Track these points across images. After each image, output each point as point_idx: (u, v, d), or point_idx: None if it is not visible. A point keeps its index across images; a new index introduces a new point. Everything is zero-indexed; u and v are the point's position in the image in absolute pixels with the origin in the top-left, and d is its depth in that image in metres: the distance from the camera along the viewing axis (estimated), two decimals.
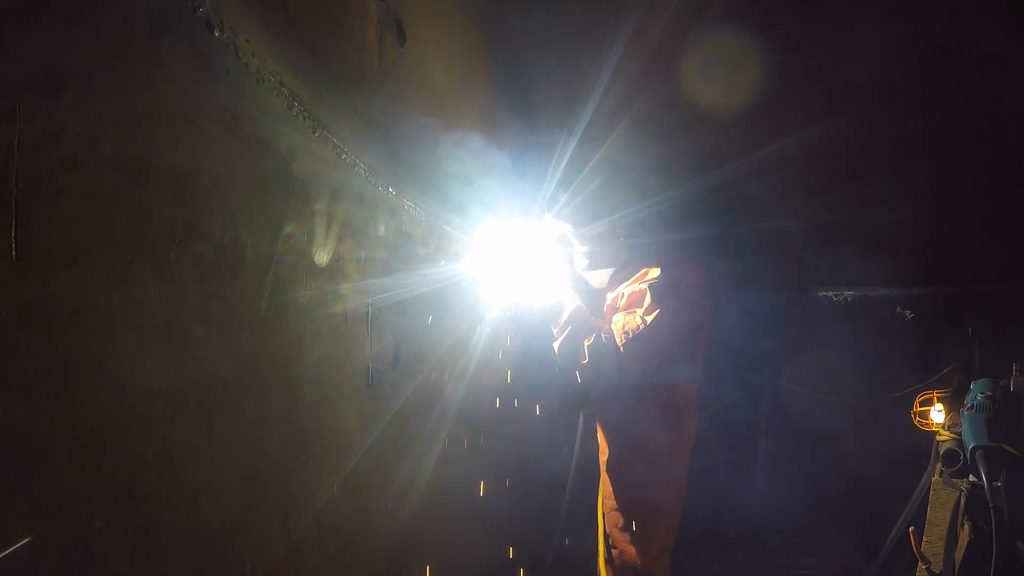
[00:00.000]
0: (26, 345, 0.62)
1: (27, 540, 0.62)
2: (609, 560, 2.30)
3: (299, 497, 1.17)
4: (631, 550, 2.22)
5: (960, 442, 1.66)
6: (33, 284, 0.63)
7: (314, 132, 1.17)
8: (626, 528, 2.24)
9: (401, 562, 1.69)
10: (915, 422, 2.20)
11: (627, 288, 2.18)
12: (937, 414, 2.10)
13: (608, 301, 2.26)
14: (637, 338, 2.05)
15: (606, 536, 2.31)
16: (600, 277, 2.34)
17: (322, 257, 1.22)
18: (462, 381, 2.14)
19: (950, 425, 1.98)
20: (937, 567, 1.58)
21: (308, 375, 1.18)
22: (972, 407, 1.63)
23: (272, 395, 1.08)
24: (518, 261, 2.35)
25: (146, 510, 0.79)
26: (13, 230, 0.60)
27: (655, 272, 2.14)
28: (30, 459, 0.63)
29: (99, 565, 0.72)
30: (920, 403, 2.19)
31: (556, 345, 2.23)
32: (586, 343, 2.12)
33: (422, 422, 1.81)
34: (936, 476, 1.81)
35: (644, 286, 2.11)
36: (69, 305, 0.67)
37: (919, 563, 1.60)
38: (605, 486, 2.32)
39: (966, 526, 1.60)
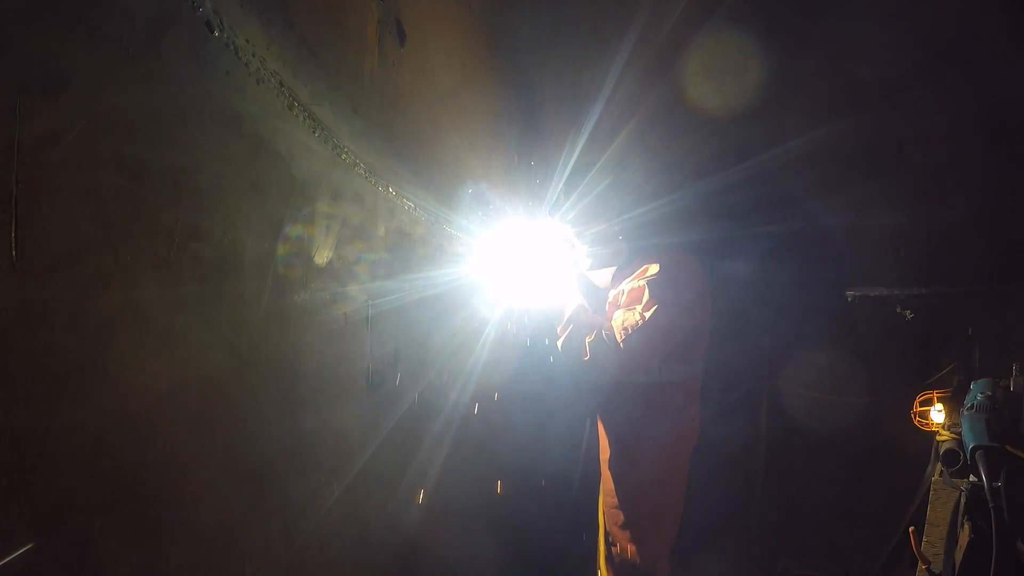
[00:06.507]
0: (26, 345, 0.62)
1: (29, 546, 0.62)
2: (609, 558, 2.30)
3: (299, 498, 1.17)
4: (631, 548, 2.22)
5: (960, 442, 1.65)
6: (33, 284, 0.63)
7: (314, 132, 1.17)
8: (627, 526, 2.24)
9: (402, 563, 1.69)
10: (915, 422, 2.20)
11: (628, 285, 2.18)
12: (937, 414, 2.10)
13: (610, 299, 2.26)
14: (636, 334, 2.05)
15: (607, 534, 2.31)
16: (604, 276, 2.35)
17: (322, 257, 1.22)
18: (465, 382, 2.14)
19: (950, 425, 1.98)
20: (937, 567, 1.58)
21: (308, 376, 1.18)
22: (972, 407, 1.62)
23: (272, 395, 1.08)
24: (522, 262, 2.35)
25: (146, 510, 0.79)
26: (13, 230, 0.60)
27: (654, 269, 2.14)
28: (30, 459, 0.63)
29: (99, 565, 0.72)
30: (920, 403, 2.19)
31: (559, 343, 2.24)
32: (588, 340, 2.12)
33: (423, 423, 1.81)
34: (936, 476, 1.81)
35: (643, 283, 2.12)
36: (69, 305, 0.67)
37: (919, 563, 1.59)
38: (606, 484, 2.32)
39: (966, 526, 1.59)
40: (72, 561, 0.69)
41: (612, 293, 2.26)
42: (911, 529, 1.65)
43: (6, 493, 0.60)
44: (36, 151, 0.62)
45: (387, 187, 1.53)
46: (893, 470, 2.74)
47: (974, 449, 1.48)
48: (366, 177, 1.41)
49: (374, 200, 1.46)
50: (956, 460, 1.69)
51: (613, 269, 2.33)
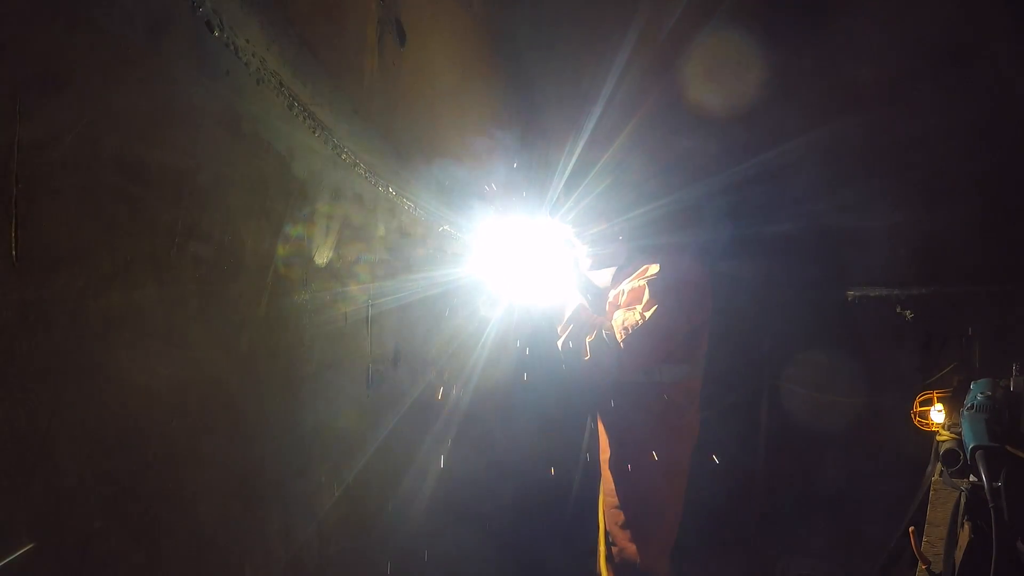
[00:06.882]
0: (26, 345, 0.62)
1: (29, 546, 0.62)
2: (609, 558, 2.30)
3: (299, 498, 1.17)
4: (631, 548, 2.22)
5: (960, 442, 1.65)
6: (33, 284, 0.63)
7: (314, 132, 1.17)
8: (626, 526, 2.23)
9: (401, 563, 1.69)
10: (915, 422, 2.20)
11: (628, 285, 2.18)
12: (937, 414, 2.10)
13: (610, 299, 2.26)
14: (636, 334, 2.05)
15: (607, 534, 2.31)
16: (604, 276, 2.35)
17: (322, 257, 1.22)
18: (465, 381, 2.14)
19: (950, 425, 1.97)
20: (937, 567, 1.58)
21: (308, 375, 1.18)
22: (972, 407, 1.62)
23: (272, 395, 1.08)
24: (523, 262, 2.35)
25: (146, 510, 0.79)
26: (13, 230, 0.60)
27: (655, 268, 2.14)
28: (30, 459, 0.63)
29: (99, 565, 0.72)
30: (920, 403, 2.19)
31: (559, 343, 2.24)
32: (588, 340, 2.12)
33: (423, 423, 1.81)
34: (936, 476, 1.81)
35: (643, 282, 2.12)
36: (69, 305, 0.67)
37: (919, 563, 1.59)
38: (606, 484, 2.32)
39: (966, 526, 1.59)
40: (72, 561, 0.69)
41: (612, 293, 2.26)
42: (911, 529, 1.65)
43: (6, 493, 0.60)
44: (36, 151, 0.62)
45: (387, 187, 1.53)
46: (893, 470, 2.74)
47: (974, 449, 1.48)
48: (366, 177, 1.41)
49: (374, 200, 1.46)
50: (956, 460, 1.69)
51: (613, 269, 2.33)
